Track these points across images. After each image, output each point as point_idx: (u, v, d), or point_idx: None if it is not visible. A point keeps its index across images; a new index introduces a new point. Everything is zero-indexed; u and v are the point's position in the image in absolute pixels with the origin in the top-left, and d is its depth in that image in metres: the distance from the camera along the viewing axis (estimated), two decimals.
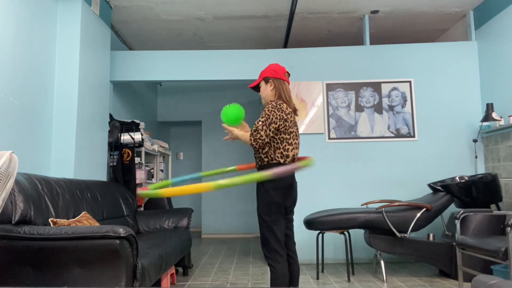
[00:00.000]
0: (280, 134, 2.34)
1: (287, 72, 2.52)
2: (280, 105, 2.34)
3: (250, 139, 2.30)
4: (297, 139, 2.43)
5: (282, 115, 2.32)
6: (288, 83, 2.51)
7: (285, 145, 2.35)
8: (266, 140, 2.30)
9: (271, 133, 2.31)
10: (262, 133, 2.28)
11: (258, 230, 2.48)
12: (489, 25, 4.56)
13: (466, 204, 3.88)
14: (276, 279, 2.27)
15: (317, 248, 3.89)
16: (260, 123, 2.30)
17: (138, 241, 2.84)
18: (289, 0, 4.54)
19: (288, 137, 2.36)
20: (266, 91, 2.48)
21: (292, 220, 2.53)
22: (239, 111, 2.44)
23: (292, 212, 2.51)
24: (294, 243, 2.53)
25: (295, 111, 2.48)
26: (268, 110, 2.32)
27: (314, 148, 4.72)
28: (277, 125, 2.32)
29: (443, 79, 4.79)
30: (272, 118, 2.30)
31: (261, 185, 2.35)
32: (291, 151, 2.37)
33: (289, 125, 2.36)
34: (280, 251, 2.30)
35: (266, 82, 2.48)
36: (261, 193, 2.35)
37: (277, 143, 2.34)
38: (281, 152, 2.34)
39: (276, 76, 2.45)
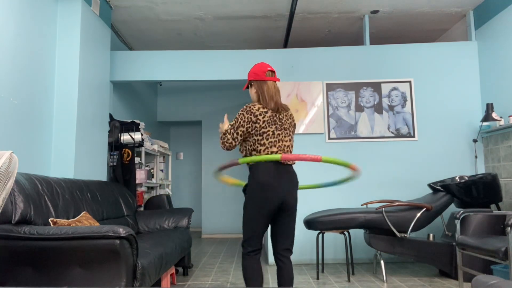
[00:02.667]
0: (252, 136, 2.40)
1: (270, 70, 2.52)
2: (250, 108, 2.41)
3: (220, 142, 2.40)
4: (273, 138, 2.40)
5: (251, 117, 2.38)
6: (273, 80, 2.51)
7: (257, 146, 2.40)
8: (233, 144, 2.40)
9: (239, 136, 2.40)
10: (229, 136, 2.39)
11: None
12: (489, 25, 4.56)
13: (466, 204, 3.88)
14: (243, 274, 2.38)
15: (317, 248, 3.89)
16: (230, 126, 2.41)
17: (138, 241, 2.84)
18: (289, 0, 4.54)
19: (260, 138, 2.39)
20: (252, 94, 2.56)
21: (284, 223, 2.44)
22: None
23: (285, 215, 2.43)
24: (286, 249, 2.45)
25: (277, 109, 2.45)
26: (238, 114, 2.41)
27: (314, 148, 4.71)
28: (244, 128, 2.39)
29: (443, 79, 4.78)
30: (240, 122, 2.39)
31: (248, 182, 2.45)
32: (264, 151, 2.39)
33: (260, 125, 2.38)
34: (248, 248, 2.39)
35: (251, 86, 2.56)
36: (247, 190, 2.44)
37: (251, 145, 2.42)
38: (255, 154, 2.41)
39: (257, 78, 2.51)
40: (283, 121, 2.47)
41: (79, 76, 3.71)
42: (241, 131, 2.39)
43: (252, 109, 2.40)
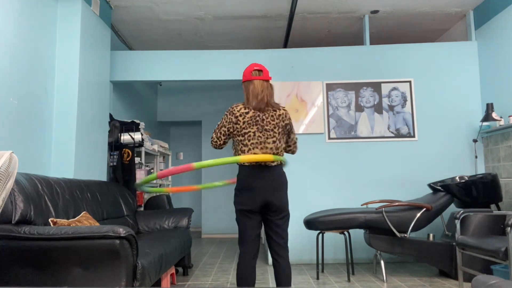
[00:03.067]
0: (235, 137, 2.46)
1: (257, 69, 2.51)
2: (232, 108, 2.47)
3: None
4: (255, 139, 2.41)
5: (231, 118, 2.44)
6: (260, 78, 2.50)
7: (241, 147, 2.44)
8: (218, 142, 2.49)
9: (222, 136, 2.48)
10: (214, 135, 2.51)
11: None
12: (489, 25, 4.56)
13: (466, 204, 3.88)
14: (237, 275, 2.45)
15: (317, 248, 3.89)
16: (216, 126, 2.51)
17: (138, 241, 2.84)
18: (289, 0, 4.54)
19: (243, 138, 2.43)
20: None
21: (275, 223, 2.45)
22: None
23: (273, 214, 2.43)
24: (281, 246, 2.45)
25: (260, 108, 2.45)
26: (224, 114, 2.51)
27: (314, 148, 4.72)
28: (226, 128, 2.46)
29: (443, 79, 4.78)
30: (223, 122, 2.48)
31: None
32: (247, 152, 2.42)
33: (241, 126, 2.42)
34: (241, 249, 2.46)
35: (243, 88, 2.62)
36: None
37: (236, 145, 2.48)
38: (239, 154, 2.45)
39: (244, 80, 2.56)
40: (265, 121, 2.44)
41: (79, 76, 3.71)
42: (223, 131, 2.47)
43: (234, 109, 2.46)
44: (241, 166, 2.44)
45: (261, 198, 2.38)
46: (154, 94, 7.37)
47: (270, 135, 2.44)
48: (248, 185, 2.39)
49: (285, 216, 2.47)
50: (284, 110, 2.53)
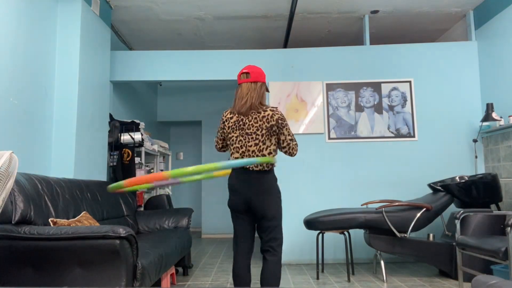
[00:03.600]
0: (227, 141, 2.55)
1: (244, 72, 2.48)
2: (223, 114, 2.55)
3: None
4: (237, 143, 2.44)
5: (221, 124, 2.54)
6: (247, 81, 2.45)
7: (230, 150, 2.52)
8: (218, 146, 2.61)
9: (219, 140, 2.59)
10: (215, 139, 2.65)
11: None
12: (489, 25, 4.56)
13: (466, 204, 3.88)
14: (232, 274, 2.55)
15: (317, 248, 3.89)
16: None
17: (138, 241, 2.84)
18: (289, 0, 4.54)
19: (229, 142, 2.51)
20: None
21: (261, 227, 2.44)
22: None
23: (259, 218, 2.42)
24: (264, 250, 2.44)
25: (244, 112, 2.42)
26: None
27: (314, 148, 4.72)
28: (220, 133, 2.56)
29: (443, 79, 4.78)
30: (218, 128, 2.60)
31: None
32: (232, 156, 2.48)
33: (227, 131, 2.50)
34: (233, 248, 2.52)
35: None
36: None
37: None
38: (230, 156, 2.55)
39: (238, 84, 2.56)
40: (247, 125, 2.42)
41: (79, 76, 3.71)
42: (219, 135, 2.58)
43: (223, 115, 2.54)
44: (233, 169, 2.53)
45: (243, 201, 2.42)
46: (154, 94, 7.37)
47: (252, 138, 2.40)
48: (231, 187, 2.47)
49: (270, 220, 2.41)
50: (272, 110, 2.42)
